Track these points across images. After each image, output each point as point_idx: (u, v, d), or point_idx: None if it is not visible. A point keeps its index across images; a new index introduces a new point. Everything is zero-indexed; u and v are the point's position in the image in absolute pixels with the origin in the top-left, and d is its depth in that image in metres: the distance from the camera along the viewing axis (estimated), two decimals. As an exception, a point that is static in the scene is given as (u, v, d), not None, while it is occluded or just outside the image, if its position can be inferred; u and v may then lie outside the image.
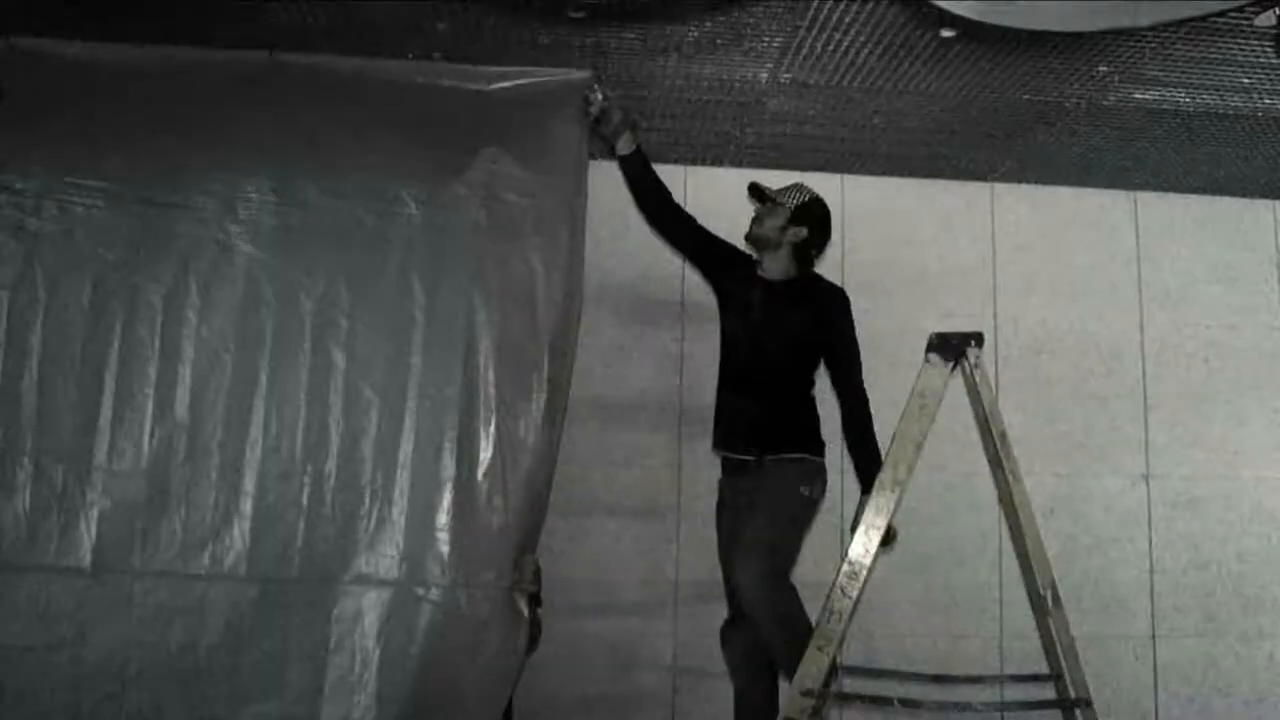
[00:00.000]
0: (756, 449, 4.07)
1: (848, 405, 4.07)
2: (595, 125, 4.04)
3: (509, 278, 3.63)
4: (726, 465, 4.24)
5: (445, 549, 3.48)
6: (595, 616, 4.85)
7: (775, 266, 4.23)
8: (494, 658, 3.48)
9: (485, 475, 3.51)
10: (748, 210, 5.06)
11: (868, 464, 3.88)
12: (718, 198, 5.09)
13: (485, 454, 3.51)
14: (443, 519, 3.49)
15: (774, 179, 5.11)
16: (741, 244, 4.33)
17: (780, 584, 3.83)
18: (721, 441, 4.22)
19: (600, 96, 3.97)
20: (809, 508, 4.07)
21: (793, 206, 4.21)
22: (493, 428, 3.53)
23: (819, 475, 4.08)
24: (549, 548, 4.87)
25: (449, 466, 3.49)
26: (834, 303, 4.19)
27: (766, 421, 4.09)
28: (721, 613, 4.20)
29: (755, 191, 4.32)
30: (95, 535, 3.30)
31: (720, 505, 4.25)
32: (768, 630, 3.80)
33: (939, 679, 3.99)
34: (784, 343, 4.14)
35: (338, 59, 3.78)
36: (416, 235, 3.61)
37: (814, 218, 4.24)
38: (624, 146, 4.15)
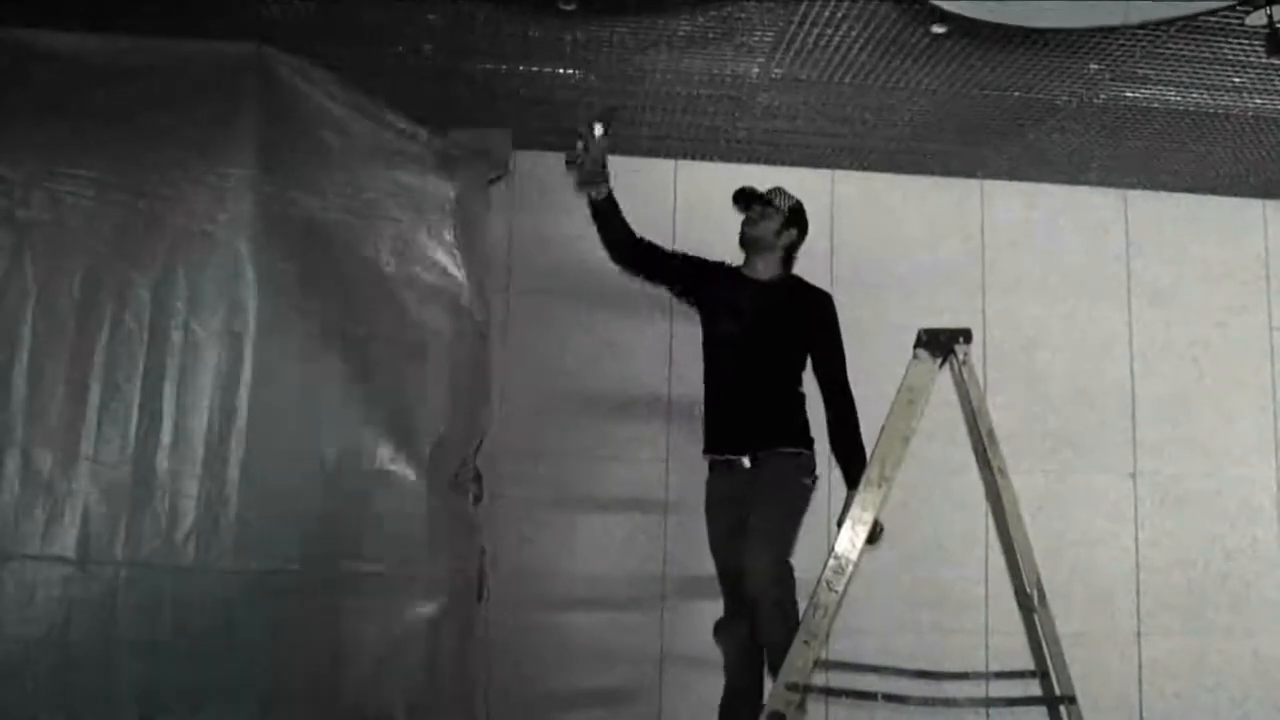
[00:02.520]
0: (752, 447, 4.11)
1: (834, 403, 4.12)
2: (572, 164, 4.09)
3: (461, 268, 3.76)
4: (718, 466, 4.25)
5: (427, 542, 3.52)
6: (583, 610, 4.84)
7: (766, 268, 4.31)
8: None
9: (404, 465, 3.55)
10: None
11: (853, 461, 3.95)
12: (707, 192, 5.10)
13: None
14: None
15: (764, 174, 5.12)
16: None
17: (788, 573, 3.89)
18: (716, 445, 4.23)
19: (590, 138, 4.01)
20: (806, 499, 4.12)
21: (786, 210, 4.30)
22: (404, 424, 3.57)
23: (812, 468, 4.14)
24: (538, 542, 4.88)
25: (389, 458, 3.55)
26: (822, 305, 4.26)
27: (761, 419, 4.13)
28: (709, 606, 4.20)
29: (744, 197, 4.36)
30: (81, 525, 3.29)
31: (712, 505, 4.25)
32: (769, 618, 3.82)
33: (924, 675, 3.99)
34: (775, 340, 4.19)
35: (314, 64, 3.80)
36: (392, 232, 3.64)
37: (802, 220, 4.36)
38: (599, 193, 4.19)
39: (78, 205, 3.45)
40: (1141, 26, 3.61)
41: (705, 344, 4.35)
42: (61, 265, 3.43)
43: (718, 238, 4.93)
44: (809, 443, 4.15)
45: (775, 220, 4.28)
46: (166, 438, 3.41)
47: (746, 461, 4.11)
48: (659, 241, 4.41)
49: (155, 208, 3.51)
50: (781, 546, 3.93)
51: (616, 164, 5.06)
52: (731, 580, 4.09)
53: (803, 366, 4.23)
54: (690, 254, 4.45)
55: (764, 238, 4.29)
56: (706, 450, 4.26)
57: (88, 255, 3.45)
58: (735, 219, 4.70)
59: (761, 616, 3.85)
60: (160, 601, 3.32)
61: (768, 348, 4.17)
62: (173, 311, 3.47)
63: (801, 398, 4.20)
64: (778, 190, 4.34)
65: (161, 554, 3.33)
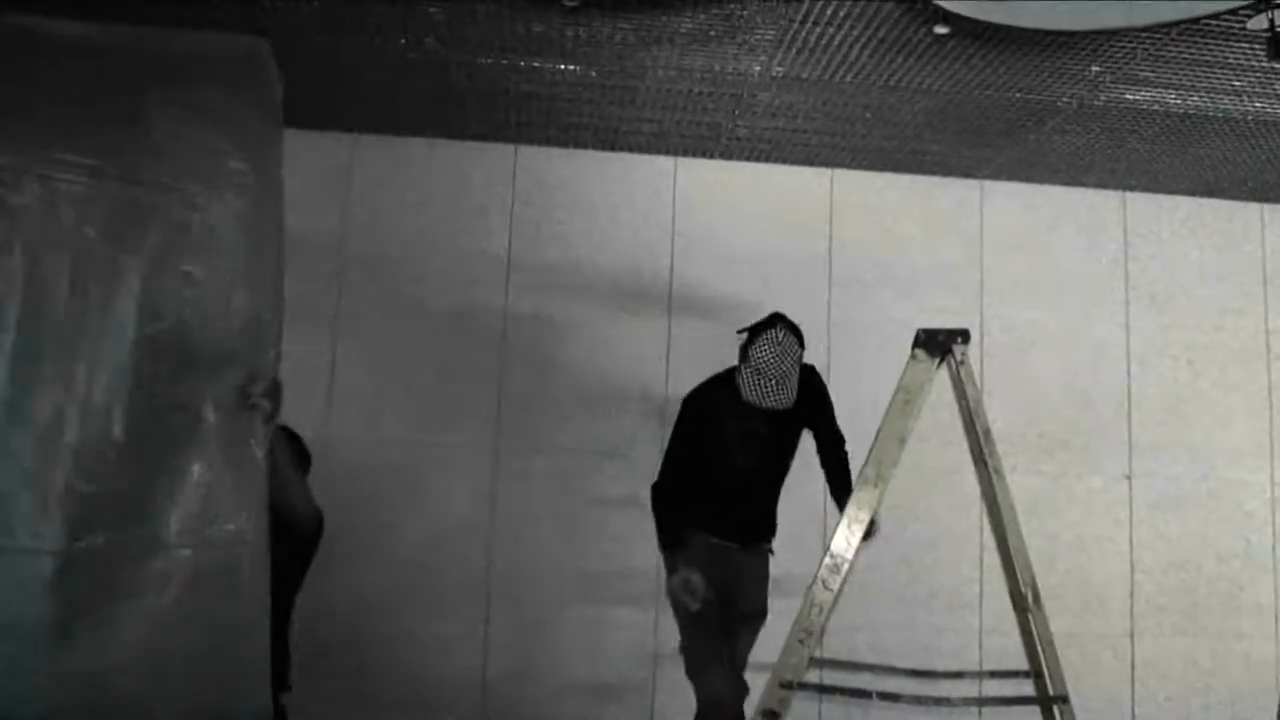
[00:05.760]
0: (750, 539, 4.17)
1: (831, 445, 4.19)
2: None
3: None
4: (703, 536, 4.14)
5: None
6: (577, 605, 4.86)
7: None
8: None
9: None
10: (733, 201, 5.10)
11: (843, 491, 3.97)
12: (707, 190, 5.12)
13: None
14: None
15: (764, 172, 5.15)
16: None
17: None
18: (716, 532, 4.12)
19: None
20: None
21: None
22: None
23: None
24: (535, 537, 4.89)
25: None
26: (812, 383, 4.13)
27: (760, 518, 4.21)
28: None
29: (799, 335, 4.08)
30: (66, 514, 3.27)
31: (697, 551, 4.07)
32: None
33: (919, 673, 4.00)
34: (785, 445, 4.19)
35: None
36: None
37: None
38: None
39: (71, 192, 3.42)
40: (1143, 29, 3.62)
41: (710, 451, 4.13)
42: (53, 252, 3.41)
43: (716, 235, 4.95)
44: (776, 528, 4.26)
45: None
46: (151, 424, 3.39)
47: (736, 545, 4.15)
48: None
49: (149, 195, 3.49)
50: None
51: (616, 161, 5.11)
52: (720, 638, 4.10)
53: (796, 447, 4.25)
54: (688, 421, 4.17)
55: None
56: (699, 530, 4.10)
57: (80, 241, 3.43)
58: (731, 217, 4.72)
59: None
60: (146, 588, 3.31)
61: (778, 454, 4.18)
62: (164, 298, 3.46)
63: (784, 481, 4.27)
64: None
65: (149, 543, 3.32)
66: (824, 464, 4.21)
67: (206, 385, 3.37)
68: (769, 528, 4.24)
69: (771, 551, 4.25)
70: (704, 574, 4.03)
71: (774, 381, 3.88)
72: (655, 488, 4.15)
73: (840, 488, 4.11)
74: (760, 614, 4.16)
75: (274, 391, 3.46)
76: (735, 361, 4.06)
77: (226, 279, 3.47)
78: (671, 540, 4.07)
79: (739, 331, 4.09)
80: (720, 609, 4.07)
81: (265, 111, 3.65)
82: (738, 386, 4.00)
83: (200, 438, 3.35)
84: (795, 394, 3.93)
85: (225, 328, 3.44)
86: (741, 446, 4.11)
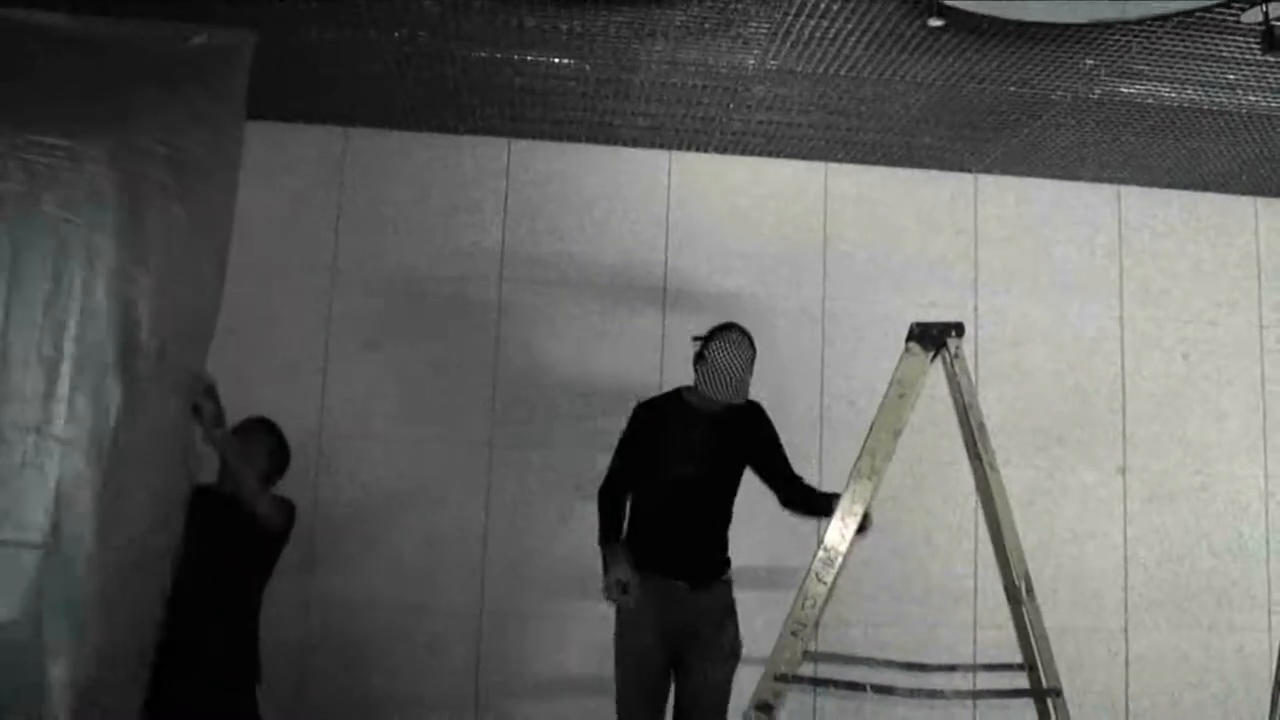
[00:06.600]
0: (697, 575, 4.12)
1: (791, 484, 4.20)
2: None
3: None
4: (653, 580, 4.14)
5: None
6: (574, 599, 4.85)
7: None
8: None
9: None
10: (728, 196, 5.09)
11: (825, 502, 3.96)
12: (701, 184, 5.11)
13: None
14: None
15: (758, 166, 5.14)
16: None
17: None
18: (661, 567, 4.11)
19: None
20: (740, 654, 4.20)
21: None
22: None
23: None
24: (530, 531, 4.89)
25: None
26: (759, 418, 4.26)
27: (707, 551, 4.18)
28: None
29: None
30: (54, 506, 3.26)
31: (638, 609, 4.10)
32: None
33: (913, 666, 4.01)
34: (728, 467, 4.20)
35: None
36: None
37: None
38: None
39: (53, 175, 3.42)
40: (1138, 22, 3.62)
41: (652, 475, 4.20)
42: (36, 238, 3.40)
43: (710, 228, 4.94)
44: (729, 563, 4.22)
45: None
46: (135, 414, 3.38)
47: (684, 584, 4.11)
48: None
49: (127, 182, 3.49)
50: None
51: (610, 155, 5.10)
52: (657, 696, 4.15)
53: (739, 482, 4.25)
54: (630, 438, 4.28)
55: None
56: (644, 568, 4.09)
57: (62, 227, 3.43)
58: (725, 211, 4.70)
59: None
60: (134, 582, 3.30)
61: (720, 475, 4.19)
62: (143, 285, 3.45)
63: (731, 517, 4.24)
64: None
65: (134, 534, 3.31)
66: (792, 498, 4.20)
67: (171, 381, 3.38)
68: (718, 565, 4.18)
69: (730, 582, 4.18)
70: (657, 618, 4.06)
71: (729, 376, 4.00)
72: (600, 490, 4.24)
73: (820, 503, 4.06)
74: (730, 654, 4.11)
75: (211, 391, 3.47)
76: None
77: (190, 270, 3.48)
78: (609, 536, 4.15)
79: (694, 339, 4.17)
80: (667, 657, 4.11)
81: (234, 106, 3.66)
82: (687, 402, 4.15)
83: (163, 431, 3.36)
84: (747, 393, 4.05)
85: (186, 321, 3.45)
86: (681, 456, 4.13)
